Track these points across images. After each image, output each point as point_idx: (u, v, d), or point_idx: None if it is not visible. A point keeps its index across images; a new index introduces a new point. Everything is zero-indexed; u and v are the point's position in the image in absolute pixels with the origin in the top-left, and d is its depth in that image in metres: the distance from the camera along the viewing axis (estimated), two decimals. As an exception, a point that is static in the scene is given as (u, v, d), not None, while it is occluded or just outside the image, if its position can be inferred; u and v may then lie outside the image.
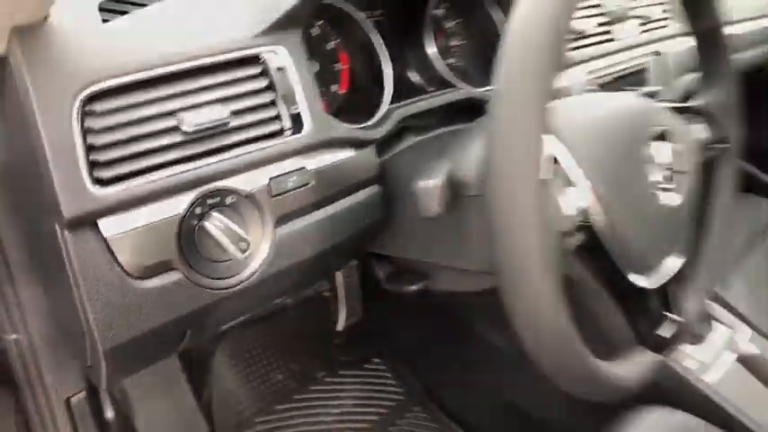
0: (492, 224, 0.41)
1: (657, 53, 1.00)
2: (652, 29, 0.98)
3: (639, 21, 0.95)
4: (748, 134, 1.58)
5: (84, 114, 0.39)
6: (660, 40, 1.00)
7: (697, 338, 0.88)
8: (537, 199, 0.40)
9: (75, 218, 0.39)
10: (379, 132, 0.60)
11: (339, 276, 1.23)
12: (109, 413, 0.89)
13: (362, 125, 0.59)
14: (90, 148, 0.40)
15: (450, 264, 0.62)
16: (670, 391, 0.81)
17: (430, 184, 0.49)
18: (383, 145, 0.63)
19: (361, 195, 0.59)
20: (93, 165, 0.40)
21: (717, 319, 0.94)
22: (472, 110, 0.71)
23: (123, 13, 0.47)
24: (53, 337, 0.65)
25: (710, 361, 0.86)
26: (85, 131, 0.39)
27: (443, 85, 0.71)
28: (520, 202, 0.40)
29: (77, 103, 0.39)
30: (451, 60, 0.77)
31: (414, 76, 0.72)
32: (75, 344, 0.58)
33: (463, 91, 0.71)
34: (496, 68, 0.40)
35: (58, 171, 0.38)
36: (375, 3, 0.68)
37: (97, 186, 0.40)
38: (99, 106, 0.40)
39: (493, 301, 0.82)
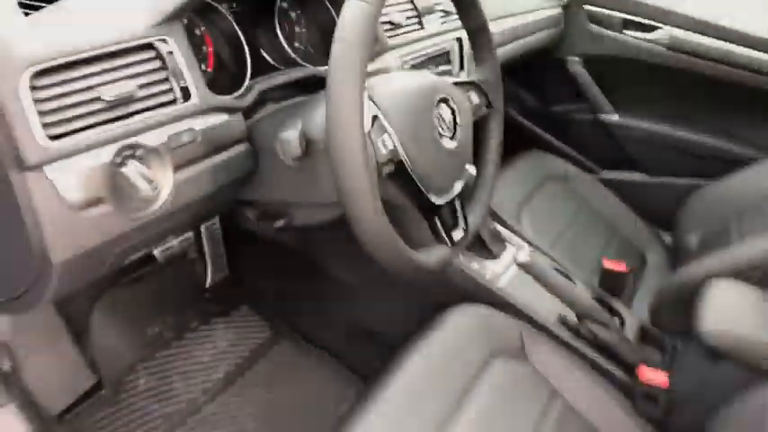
0: (333, 161, 0.62)
1: (459, 39, 1.28)
2: (453, 20, 1.25)
3: (442, 14, 1.21)
4: (534, 101, 1.98)
5: (32, 88, 0.53)
6: (460, 29, 1.28)
7: (494, 255, 1.19)
8: (362, 142, 0.61)
9: (34, 165, 0.53)
10: (245, 102, 0.78)
11: (204, 237, 1.38)
12: (6, 365, 0.98)
13: (232, 96, 0.77)
14: (40, 113, 0.53)
15: (306, 200, 0.82)
16: (474, 294, 1.10)
17: (291, 136, 0.68)
18: (249, 112, 0.80)
19: (235, 151, 0.77)
20: (44, 125, 0.53)
21: (509, 242, 1.26)
22: (317, 84, 0.91)
23: (33, 7, 0.60)
24: None
25: (502, 271, 1.17)
26: (35, 100, 0.53)
27: (292, 64, 0.90)
28: (350, 144, 0.61)
29: (25, 79, 0.52)
30: (296, 44, 0.96)
31: (268, 57, 0.90)
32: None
33: (307, 69, 0.90)
34: (330, 55, 0.60)
35: (18, 129, 0.52)
36: (234, -3, 0.85)
37: (48, 141, 0.54)
38: (40, 82, 0.54)
39: (340, 242, 1.09)
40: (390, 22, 1.02)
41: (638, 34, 1.65)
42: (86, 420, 1.11)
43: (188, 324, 1.34)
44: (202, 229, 1.36)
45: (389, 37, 1.00)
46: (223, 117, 0.73)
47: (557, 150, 1.82)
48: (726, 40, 1.55)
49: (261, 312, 1.41)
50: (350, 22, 0.60)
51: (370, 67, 0.94)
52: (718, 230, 1.38)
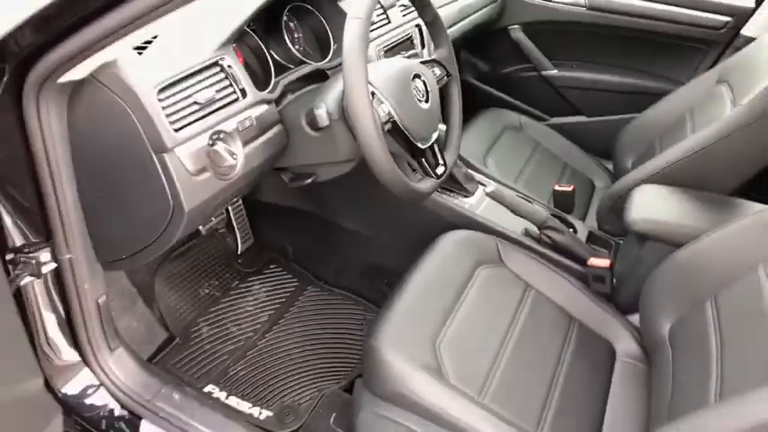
0: (355, 124, 0.92)
1: (418, 26, 1.57)
2: (411, 11, 1.55)
3: (402, 7, 1.50)
4: (487, 67, 2.31)
5: (159, 99, 0.82)
6: (418, 17, 1.57)
7: (470, 193, 1.50)
8: (371, 110, 0.92)
9: (170, 148, 0.82)
10: (275, 95, 1.07)
11: (231, 213, 1.67)
12: (140, 308, 1.26)
13: (266, 91, 1.06)
14: (166, 115, 0.82)
15: (328, 160, 1.13)
16: (458, 222, 1.40)
17: (320, 110, 0.98)
18: (277, 102, 1.10)
19: (274, 131, 1.06)
20: (170, 122, 0.83)
21: (479, 182, 1.57)
22: (320, 75, 1.21)
23: (143, 48, 0.88)
24: (91, 257, 1.02)
25: (477, 203, 1.48)
26: (162, 107, 0.82)
27: (298, 62, 1.19)
28: (364, 113, 0.91)
29: (155, 94, 0.81)
30: (297, 47, 1.25)
31: (281, 59, 1.18)
32: (124, 246, 0.98)
33: (311, 65, 1.20)
34: (343, 56, 0.90)
35: (159, 126, 0.81)
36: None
37: (174, 132, 0.83)
38: (162, 95, 0.83)
39: (350, 198, 1.44)
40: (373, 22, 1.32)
41: (563, 1, 1.98)
42: (168, 364, 1.40)
43: (230, 284, 1.63)
44: (229, 207, 1.66)
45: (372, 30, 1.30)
46: (265, 107, 1.02)
47: (510, 106, 2.14)
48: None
49: (287, 268, 1.70)
50: (351, 32, 0.91)
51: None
52: (645, 152, 1.71)
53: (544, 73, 2.11)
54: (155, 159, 0.83)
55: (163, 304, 1.48)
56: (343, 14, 1.22)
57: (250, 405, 1.31)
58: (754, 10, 1.83)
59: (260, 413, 1.29)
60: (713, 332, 1.02)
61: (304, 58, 1.18)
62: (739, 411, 0.73)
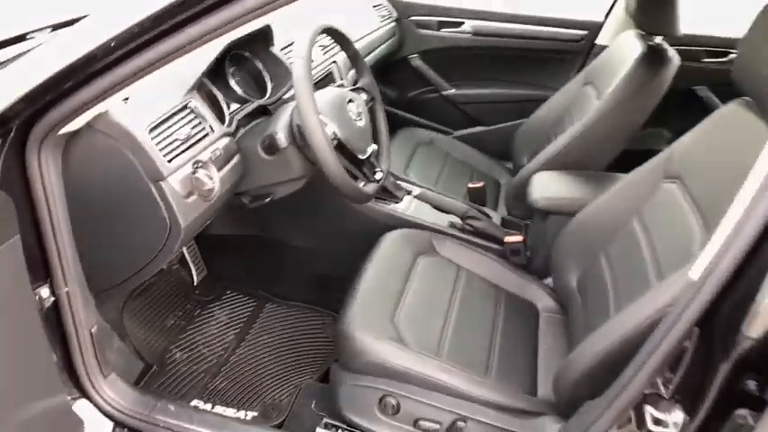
0: (312, 143, 1.13)
1: (335, 62, 1.81)
2: (329, 50, 1.78)
3: (321, 47, 1.74)
4: (395, 93, 2.59)
5: (150, 138, 0.99)
6: (334, 55, 1.81)
7: (399, 199, 1.73)
8: (322, 131, 1.14)
9: (165, 176, 0.99)
10: (232, 128, 1.26)
11: (184, 250, 1.81)
12: (116, 342, 1.37)
13: (226, 126, 1.24)
14: (158, 149, 1.00)
15: (282, 179, 1.32)
16: (395, 224, 1.62)
17: (280, 135, 1.19)
18: (233, 135, 1.29)
19: (235, 159, 1.25)
20: (163, 155, 1.00)
21: (406, 189, 1.81)
22: (264, 110, 1.41)
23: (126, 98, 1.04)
24: (85, 289, 1.13)
25: (407, 206, 1.71)
26: (154, 144, 0.99)
27: (244, 101, 1.39)
28: (318, 134, 1.13)
29: (147, 132, 0.98)
30: (240, 88, 1.44)
31: (230, 99, 1.37)
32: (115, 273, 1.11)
33: (254, 103, 1.40)
34: (295, 90, 1.12)
35: (155, 159, 0.98)
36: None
37: (167, 163, 1.00)
38: (152, 134, 1.00)
39: (297, 218, 1.67)
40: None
41: (451, 29, 2.30)
42: (150, 388, 1.51)
43: (192, 313, 1.75)
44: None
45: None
46: (227, 139, 1.21)
47: (419, 124, 2.42)
48: (504, 22, 2.24)
49: (243, 292, 1.84)
50: (298, 70, 1.13)
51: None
52: (536, 148, 2.02)
53: (444, 93, 2.42)
54: (152, 187, 0.99)
55: (134, 338, 1.58)
56: (274, 58, 1.43)
57: (235, 410, 1.44)
58: (603, 23, 2.24)
59: (246, 415, 1.43)
60: (608, 276, 1.30)
61: (247, 97, 1.37)
62: (626, 319, 1.00)
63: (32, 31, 1.20)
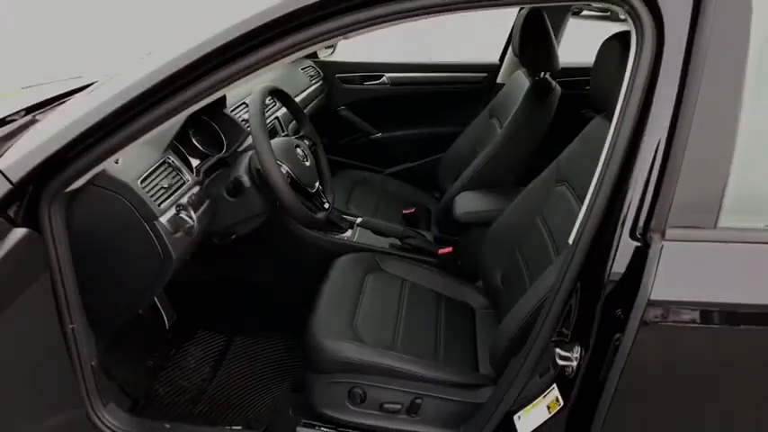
0: (272, 183, 1.38)
1: (278, 118, 2.07)
2: (270, 108, 2.05)
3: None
4: (329, 141, 2.88)
5: (142, 187, 1.21)
6: (275, 113, 2.07)
7: (343, 230, 1.99)
8: (279, 171, 1.39)
9: (157, 216, 1.20)
10: (199, 179, 1.49)
11: (155, 298, 1.97)
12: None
13: (195, 176, 1.47)
14: (150, 195, 1.21)
15: (245, 217, 1.55)
16: (343, 250, 1.86)
17: (244, 178, 1.43)
18: (201, 184, 1.51)
19: (206, 204, 1.47)
20: (153, 200, 1.21)
21: (349, 221, 2.07)
22: (223, 162, 1.64)
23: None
24: (86, 325, 1.30)
25: (352, 235, 1.97)
26: (145, 191, 1.21)
27: (205, 156, 1.62)
28: (276, 175, 1.38)
29: (138, 183, 1.20)
30: (200, 146, 1.67)
31: (194, 155, 1.60)
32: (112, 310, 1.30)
33: (214, 157, 1.63)
34: (253, 140, 1.37)
35: (147, 205, 1.19)
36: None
37: (158, 206, 1.22)
38: (143, 184, 1.22)
39: (258, 257, 1.94)
40: (245, 120, 1.80)
41: (372, 82, 2.63)
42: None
43: (168, 353, 1.90)
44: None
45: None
46: (197, 187, 1.44)
47: (354, 166, 2.71)
48: (417, 71, 2.59)
49: (212, 329, 2.01)
50: (254, 124, 1.38)
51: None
52: (456, 175, 2.34)
53: (372, 137, 2.73)
54: (147, 227, 1.20)
55: (118, 379, 1.72)
56: (227, 118, 1.68)
57: (220, 428, 1.61)
58: (500, 65, 2.64)
59: (230, 430, 1.60)
60: (524, 266, 1.59)
61: (208, 152, 1.61)
62: (535, 289, 1.28)
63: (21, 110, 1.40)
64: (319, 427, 1.49)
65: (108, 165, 1.19)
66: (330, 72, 2.63)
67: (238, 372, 1.85)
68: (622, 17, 1.06)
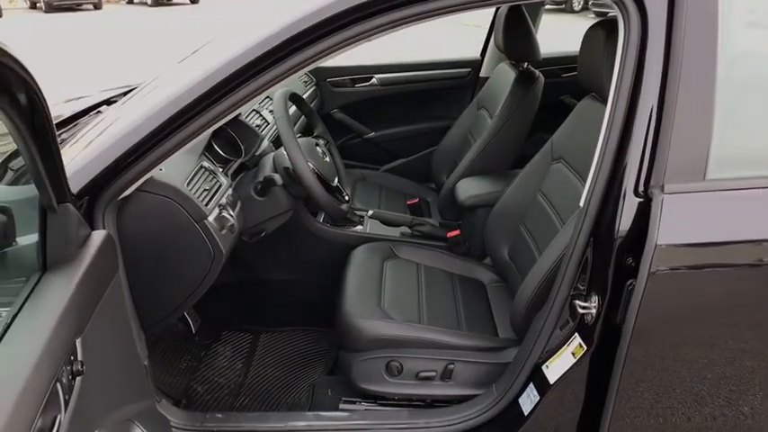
0: (302, 178, 1.50)
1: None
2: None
3: (269, 110, 2.12)
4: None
5: (189, 189, 1.32)
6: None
7: (355, 223, 2.12)
8: (309, 168, 1.51)
9: (206, 217, 1.31)
10: (228, 182, 1.61)
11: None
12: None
13: (228, 182, 1.58)
14: (196, 197, 1.32)
15: (272, 214, 1.67)
16: (359, 241, 1.99)
17: (275, 176, 1.54)
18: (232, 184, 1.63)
19: (239, 203, 1.59)
20: (200, 200, 1.32)
21: (359, 215, 2.19)
22: (242, 167, 1.76)
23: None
24: (137, 326, 1.40)
25: (363, 228, 2.10)
26: (192, 192, 1.32)
27: (227, 161, 1.73)
28: (306, 170, 1.51)
29: (186, 185, 1.31)
30: (222, 152, 1.77)
31: (217, 161, 1.71)
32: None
33: (236, 162, 1.74)
34: (284, 141, 1.50)
35: (196, 203, 1.31)
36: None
37: (205, 206, 1.33)
38: (188, 186, 1.33)
39: (278, 254, 2.07)
40: (258, 125, 1.92)
41: (363, 84, 2.77)
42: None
43: (199, 354, 2.00)
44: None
45: (261, 131, 1.91)
46: (230, 189, 1.55)
47: (351, 166, 2.83)
48: (405, 71, 2.74)
49: (238, 329, 2.11)
50: (282, 126, 1.50)
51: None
52: (452, 166, 2.49)
53: (366, 137, 2.86)
54: (197, 226, 1.31)
55: (159, 383, 1.81)
56: (242, 124, 1.79)
57: (265, 413, 1.71)
58: (481, 60, 2.80)
59: (275, 414, 1.70)
60: (529, 239, 1.74)
61: (228, 158, 1.72)
62: (549, 254, 1.43)
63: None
64: (360, 402, 1.61)
65: (154, 173, 1.30)
66: (321, 77, 2.76)
67: (271, 364, 1.96)
68: (576, 9, 1.23)
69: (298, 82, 2.60)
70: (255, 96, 1.18)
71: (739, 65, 1.17)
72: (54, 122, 1.60)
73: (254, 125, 1.87)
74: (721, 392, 1.29)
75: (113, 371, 1.09)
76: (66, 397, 0.81)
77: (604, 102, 1.42)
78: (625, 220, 1.16)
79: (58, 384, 0.78)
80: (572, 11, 13.83)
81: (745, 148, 1.19)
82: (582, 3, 13.78)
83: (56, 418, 0.77)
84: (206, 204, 1.36)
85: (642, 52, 1.15)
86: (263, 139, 1.87)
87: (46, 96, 0.81)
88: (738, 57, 1.16)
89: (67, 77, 6.58)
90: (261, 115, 2.03)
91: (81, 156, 1.19)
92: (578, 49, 1.57)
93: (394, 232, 2.10)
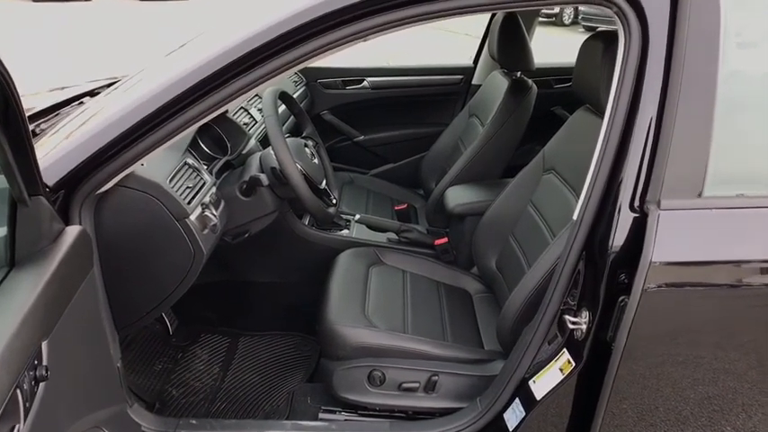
0: (290, 179, 1.46)
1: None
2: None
3: (257, 109, 2.07)
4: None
5: (171, 186, 1.27)
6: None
7: (341, 227, 2.07)
8: (296, 168, 1.47)
9: (187, 215, 1.26)
10: (213, 180, 1.56)
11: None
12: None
13: (212, 180, 1.53)
14: (179, 194, 1.27)
15: (257, 215, 1.62)
16: (345, 246, 1.94)
17: (261, 176, 1.50)
18: (215, 184, 1.58)
19: (223, 203, 1.54)
20: (182, 198, 1.27)
21: (345, 219, 2.15)
22: (228, 164, 1.70)
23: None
24: (111, 325, 1.33)
25: (349, 232, 2.06)
26: (173, 190, 1.27)
27: (212, 159, 1.68)
28: (294, 171, 1.46)
29: (168, 181, 1.26)
30: (207, 150, 1.72)
31: (203, 159, 1.65)
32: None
33: (222, 159, 1.69)
34: (271, 140, 1.45)
35: (178, 201, 1.25)
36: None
37: (187, 204, 1.27)
38: (171, 183, 1.27)
39: (261, 256, 2.02)
40: (245, 123, 1.87)
41: (354, 87, 2.73)
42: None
43: (175, 356, 1.94)
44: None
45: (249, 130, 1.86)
46: (214, 187, 1.50)
47: (339, 169, 2.79)
48: (397, 75, 2.71)
49: (217, 332, 2.06)
50: (270, 125, 1.46)
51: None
52: (441, 173, 2.46)
53: (355, 140, 2.82)
54: (178, 224, 1.26)
55: (132, 385, 1.74)
56: (229, 121, 1.75)
57: (242, 420, 1.66)
58: (474, 67, 2.78)
59: (252, 422, 1.65)
60: (518, 250, 1.72)
61: (214, 155, 1.67)
62: (539, 267, 1.40)
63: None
64: (340, 411, 1.56)
65: (135, 168, 1.24)
66: (312, 77, 2.71)
67: (249, 369, 1.90)
68: (566, 23, 1.21)
69: (287, 81, 2.56)
70: (244, 93, 1.14)
71: (740, 81, 1.15)
72: (31, 112, 1.56)
73: (241, 123, 1.83)
74: (704, 412, 1.27)
75: (82, 375, 1.04)
76: (27, 405, 0.75)
77: (599, 114, 1.40)
78: (619, 236, 1.14)
79: (18, 391, 0.72)
80: (562, 24, 13.99)
81: (744, 166, 1.17)
82: (572, 17, 13.95)
83: (13, 428, 0.71)
84: (188, 203, 1.30)
85: (642, 65, 1.13)
86: (251, 137, 1.82)
87: (18, 85, 0.76)
88: (739, 73, 1.14)
89: (54, 68, 6.48)
90: (249, 113, 1.98)
91: (59, 147, 1.14)
92: (570, 61, 1.55)
93: (380, 238, 2.06)
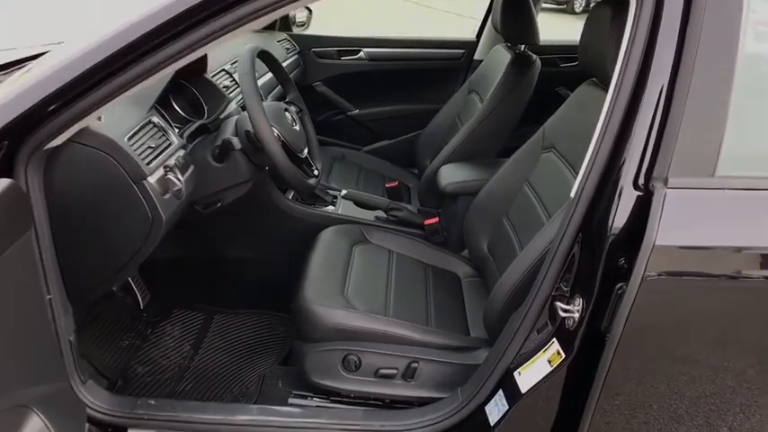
0: (265, 145, 1.34)
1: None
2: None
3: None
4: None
5: (130, 144, 1.15)
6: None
7: (327, 203, 1.96)
8: (272, 133, 1.35)
9: (146, 176, 1.15)
10: (183, 143, 1.44)
11: (130, 281, 1.90)
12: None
13: (180, 142, 1.42)
14: (136, 155, 1.15)
15: (231, 183, 1.50)
16: (329, 222, 1.83)
17: (234, 140, 1.38)
18: (186, 148, 1.46)
19: (190, 168, 1.42)
20: (141, 158, 1.15)
21: (332, 195, 2.03)
22: (204, 129, 1.58)
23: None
24: (64, 296, 1.23)
25: (336, 206, 1.94)
26: (133, 150, 1.15)
27: (186, 121, 1.56)
28: (270, 137, 1.34)
29: (126, 139, 1.14)
30: (181, 111, 1.60)
31: (175, 121, 1.54)
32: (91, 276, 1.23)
33: (196, 123, 1.57)
34: (246, 101, 1.33)
35: (135, 161, 1.14)
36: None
37: (146, 165, 1.16)
38: (129, 142, 1.16)
39: (238, 230, 1.88)
40: (226, 86, 1.75)
41: (350, 57, 2.60)
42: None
43: (144, 332, 1.84)
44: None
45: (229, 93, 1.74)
46: (182, 150, 1.38)
47: (332, 143, 2.67)
48: (395, 47, 2.58)
49: (190, 308, 1.94)
50: (245, 84, 1.34)
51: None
52: (437, 151, 2.34)
53: (349, 113, 2.70)
54: (135, 187, 1.15)
55: (94, 360, 1.64)
56: (208, 83, 1.62)
57: (207, 402, 1.56)
58: (477, 42, 2.64)
59: (218, 404, 1.55)
60: (512, 232, 1.60)
61: (189, 118, 1.55)
62: (532, 249, 1.28)
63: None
64: (311, 397, 1.46)
65: (91, 122, 1.13)
66: (306, 46, 2.58)
67: (221, 349, 1.80)
68: (578, 11, 1.07)
69: (279, 48, 2.43)
70: (209, 43, 1.02)
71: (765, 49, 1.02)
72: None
73: (221, 86, 1.70)
74: (700, 411, 1.17)
75: (5, 349, 0.93)
76: None
77: (605, 88, 1.28)
78: (620, 216, 1.02)
79: None
80: (573, 12, 13.71)
81: (763, 145, 1.05)
82: (583, 5, 13.67)
83: None
84: (147, 163, 1.19)
85: (654, 29, 1.00)
86: (231, 101, 1.70)
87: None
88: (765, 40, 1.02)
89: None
90: (231, 76, 1.86)
91: (3, 93, 1.02)
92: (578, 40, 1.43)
93: (368, 216, 1.94)
